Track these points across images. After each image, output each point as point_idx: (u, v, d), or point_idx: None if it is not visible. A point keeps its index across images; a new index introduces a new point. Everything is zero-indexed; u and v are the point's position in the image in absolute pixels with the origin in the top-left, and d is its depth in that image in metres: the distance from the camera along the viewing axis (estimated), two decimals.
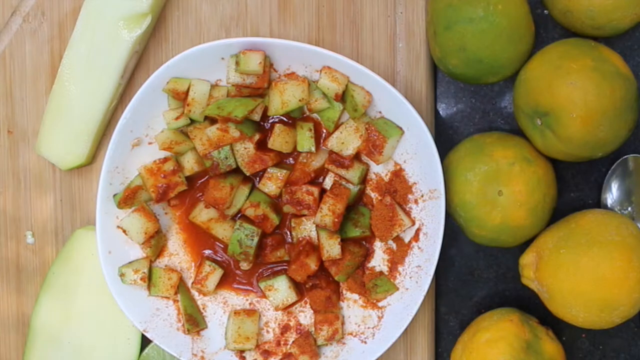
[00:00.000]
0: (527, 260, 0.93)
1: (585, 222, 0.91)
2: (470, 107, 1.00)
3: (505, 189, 0.91)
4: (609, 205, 0.98)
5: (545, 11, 0.98)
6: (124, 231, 0.95)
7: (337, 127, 0.95)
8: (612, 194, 0.98)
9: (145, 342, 0.99)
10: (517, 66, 0.94)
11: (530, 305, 0.98)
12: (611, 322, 0.90)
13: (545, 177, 0.92)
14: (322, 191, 0.96)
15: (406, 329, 0.99)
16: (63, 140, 0.98)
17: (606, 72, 0.88)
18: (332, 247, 0.94)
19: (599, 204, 0.99)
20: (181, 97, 0.95)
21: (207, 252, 0.99)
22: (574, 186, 0.99)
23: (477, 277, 1.01)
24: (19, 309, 1.02)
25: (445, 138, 0.99)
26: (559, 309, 0.91)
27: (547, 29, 0.98)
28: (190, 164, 0.96)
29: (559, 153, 0.91)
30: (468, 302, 1.01)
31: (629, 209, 0.98)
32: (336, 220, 0.93)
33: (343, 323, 0.97)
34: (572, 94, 0.88)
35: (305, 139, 0.95)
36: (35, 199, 1.02)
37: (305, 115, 0.96)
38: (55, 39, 1.01)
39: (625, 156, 0.98)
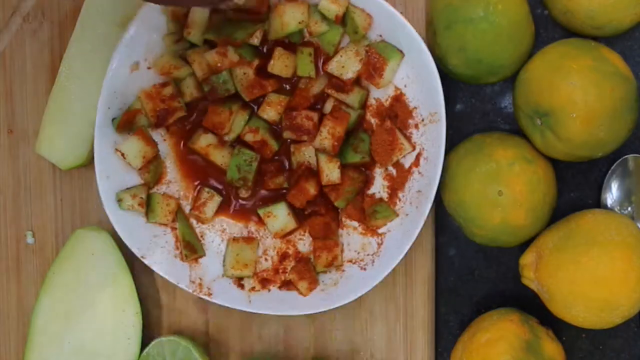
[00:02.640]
0: (527, 260, 0.93)
1: (585, 222, 0.91)
2: (470, 107, 1.00)
3: (505, 189, 0.91)
4: (609, 205, 0.98)
5: (545, 11, 0.98)
6: (122, 155, 0.95)
7: (337, 51, 0.95)
8: (612, 194, 0.98)
9: (145, 342, 0.99)
10: (517, 66, 0.94)
11: (530, 305, 0.98)
12: (611, 322, 0.90)
13: (545, 177, 0.92)
14: (322, 116, 0.95)
15: (406, 328, 0.99)
16: (63, 140, 0.98)
17: (606, 72, 0.89)
18: (331, 171, 0.94)
19: (599, 204, 0.99)
20: (181, 19, 0.94)
21: (206, 179, 0.98)
22: (574, 186, 0.99)
23: (477, 277, 1.01)
24: (19, 308, 1.02)
25: (446, 138, 0.99)
26: (559, 309, 0.91)
27: (547, 29, 0.98)
28: (189, 89, 0.95)
29: (559, 153, 0.91)
30: (468, 302, 1.01)
31: (629, 209, 0.98)
32: (335, 143, 0.93)
33: (342, 250, 0.97)
34: (572, 94, 0.88)
35: (305, 64, 0.94)
36: (35, 199, 1.02)
37: (305, 41, 0.96)
38: (55, 39, 1.01)
39: (625, 156, 0.98)
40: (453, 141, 0.98)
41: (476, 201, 0.92)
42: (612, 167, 0.98)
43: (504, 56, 0.92)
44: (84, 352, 0.99)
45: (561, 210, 0.96)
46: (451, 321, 1.01)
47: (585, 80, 0.88)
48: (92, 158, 1.00)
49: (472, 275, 1.01)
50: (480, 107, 1.00)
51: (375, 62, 0.93)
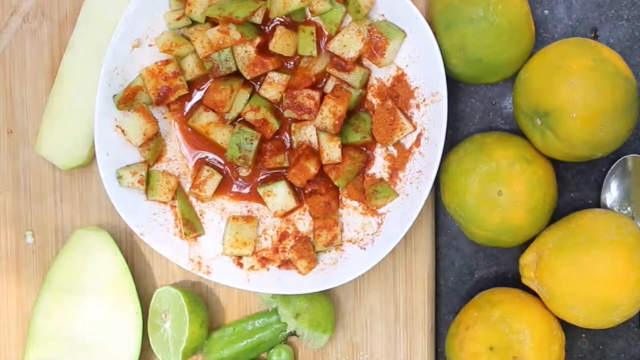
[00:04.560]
0: (528, 260, 0.93)
1: (585, 222, 0.91)
2: (470, 107, 1.00)
3: (505, 189, 0.91)
4: (608, 205, 0.98)
5: (546, 11, 0.98)
6: (123, 131, 0.95)
7: (339, 30, 0.95)
8: (612, 193, 0.98)
9: (145, 342, 0.99)
10: (517, 66, 0.94)
11: None
12: (612, 321, 0.90)
13: (545, 177, 0.93)
14: (324, 96, 0.95)
15: (406, 328, 0.99)
16: (63, 140, 0.98)
17: (606, 72, 0.89)
18: (332, 150, 0.94)
19: (599, 204, 0.99)
20: None
21: (206, 158, 0.99)
22: (574, 186, 0.99)
23: (477, 277, 1.01)
24: (19, 308, 1.02)
25: (446, 138, 0.99)
26: (559, 309, 0.91)
27: (547, 29, 0.98)
28: (191, 67, 0.95)
29: (559, 153, 0.91)
30: (468, 302, 1.00)
31: (629, 208, 0.98)
32: (337, 122, 0.93)
33: (342, 230, 0.97)
34: (572, 94, 0.88)
35: (307, 42, 0.95)
36: (35, 199, 1.01)
37: (307, 19, 0.96)
38: (55, 39, 1.01)
39: (625, 156, 0.98)
40: (453, 141, 0.98)
41: (476, 201, 0.92)
42: (612, 167, 0.98)
43: (504, 56, 0.92)
44: (84, 352, 0.99)
45: (561, 210, 0.96)
46: (451, 321, 1.01)
47: (585, 80, 0.88)
48: (92, 158, 1.00)
49: (472, 276, 1.01)
50: (480, 107, 1.00)
51: (377, 41, 0.93)
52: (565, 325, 0.93)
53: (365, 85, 0.96)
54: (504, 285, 0.99)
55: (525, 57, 0.94)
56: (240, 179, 0.98)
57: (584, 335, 1.00)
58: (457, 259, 1.01)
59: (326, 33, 0.96)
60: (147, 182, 0.96)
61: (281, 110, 0.96)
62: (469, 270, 1.01)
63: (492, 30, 0.91)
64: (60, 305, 0.98)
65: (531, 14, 0.94)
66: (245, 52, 0.94)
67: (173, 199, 0.97)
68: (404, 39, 0.94)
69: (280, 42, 0.94)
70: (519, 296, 0.93)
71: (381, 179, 0.96)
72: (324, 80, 0.96)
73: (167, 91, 0.95)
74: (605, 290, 0.88)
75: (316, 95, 0.94)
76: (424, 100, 0.94)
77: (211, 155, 0.98)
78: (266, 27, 0.96)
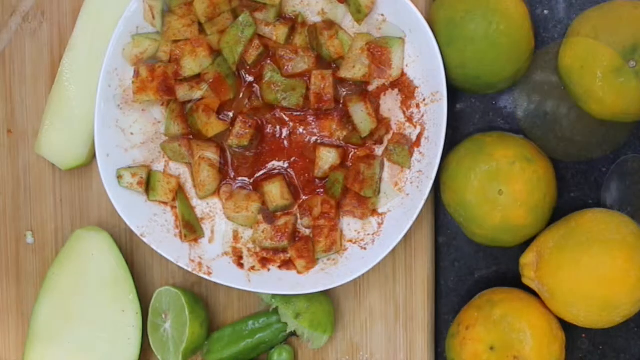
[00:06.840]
0: (528, 260, 0.93)
1: (586, 222, 0.91)
2: (470, 107, 1.00)
3: (506, 188, 0.91)
4: (608, 205, 0.98)
5: (545, 11, 0.98)
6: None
7: (342, 56, 0.95)
8: (612, 193, 0.98)
9: (145, 342, 0.99)
10: (515, 80, 0.94)
11: None
12: (612, 321, 0.90)
13: (546, 176, 0.93)
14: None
15: (406, 328, 0.99)
16: (63, 140, 0.98)
17: None
18: (325, 164, 0.96)
19: (599, 203, 0.99)
20: None
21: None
22: (574, 186, 0.99)
23: (477, 277, 1.01)
24: (19, 309, 1.02)
25: (446, 138, 0.99)
26: (560, 309, 0.91)
27: (547, 29, 0.98)
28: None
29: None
30: (468, 302, 1.00)
31: (629, 208, 0.98)
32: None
33: (342, 235, 0.97)
34: None
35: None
36: (35, 199, 1.01)
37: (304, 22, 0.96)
38: (55, 39, 1.01)
39: (625, 156, 0.98)
40: (453, 141, 0.98)
41: (476, 201, 0.92)
42: (612, 167, 0.98)
43: (502, 74, 0.92)
44: (83, 352, 0.99)
45: (561, 210, 0.96)
46: (451, 321, 1.01)
47: None
48: (92, 158, 1.00)
49: (472, 276, 1.01)
50: (480, 107, 1.00)
51: (380, 55, 0.94)
52: (566, 325, 0.93)
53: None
54: (504, 285, 0.99)
55: (523, 72, 0.94)
56: (240, 179, 0.99)
57: (584, 335, 1.00)
58: (457, 259, 1.01)
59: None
60: (148, 183, 0.96)
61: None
62: (469, 270, 1.01)
63: (493, 51, 0.91)
64: (60, 305, 0.98)
65: (531, 18, 0.93)
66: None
67: (173, 199, 0.97)
68: (403, 43, 0.94)
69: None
70: (519, 296, 0.93)
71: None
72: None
73: (167, 91, 0.95)
74: (605, 290, 0.88)
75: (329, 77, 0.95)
76: (424, 100, 0.95)
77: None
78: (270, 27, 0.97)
